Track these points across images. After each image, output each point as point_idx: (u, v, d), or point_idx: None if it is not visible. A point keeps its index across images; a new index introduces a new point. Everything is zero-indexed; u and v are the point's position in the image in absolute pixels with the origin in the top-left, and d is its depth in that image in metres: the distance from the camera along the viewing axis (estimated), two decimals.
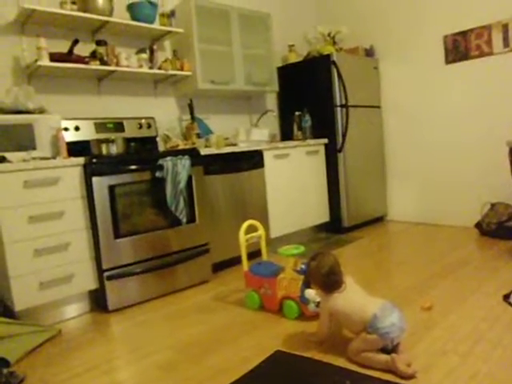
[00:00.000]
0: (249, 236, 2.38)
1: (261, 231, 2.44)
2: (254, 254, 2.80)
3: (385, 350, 1.57)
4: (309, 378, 1.54)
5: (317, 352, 1.73)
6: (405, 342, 1.67)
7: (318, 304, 1.96)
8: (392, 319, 1.55)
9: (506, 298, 2.08)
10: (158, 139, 3.21)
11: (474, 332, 1.79)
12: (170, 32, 3.18)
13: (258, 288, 2.25)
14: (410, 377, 1.48)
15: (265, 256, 2.47)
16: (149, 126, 3.12)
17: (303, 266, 2.07)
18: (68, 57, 2.64)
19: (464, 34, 3.58)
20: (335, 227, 3.90)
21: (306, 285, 1.99)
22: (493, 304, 2.05)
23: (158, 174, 2.55)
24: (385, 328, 1.53)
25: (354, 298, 1.67)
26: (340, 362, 1.63)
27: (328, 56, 3.75)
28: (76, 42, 2.66)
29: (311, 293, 1.94)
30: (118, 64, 2.87)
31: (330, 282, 1.68)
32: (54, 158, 2.37)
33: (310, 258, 1.81)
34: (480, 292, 2.22)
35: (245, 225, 2.34)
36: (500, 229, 3.21)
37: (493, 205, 3.37)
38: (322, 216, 3.86)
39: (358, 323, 1.60)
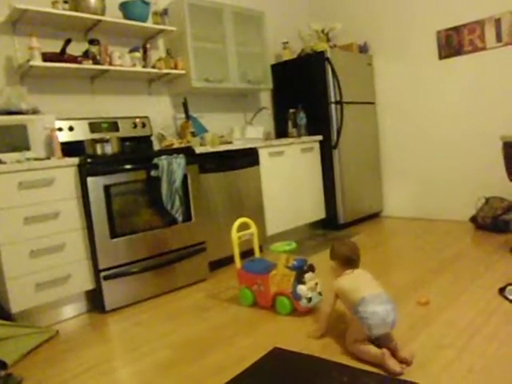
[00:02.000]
0: (241, 233, 2.39)
1: (253, 229, 2.45)
2: (249, 253, 2.80)
3: (376, 344, 1.58)
4: (307, 375, 1.55)
5: (314, 349, 1.73)
6: (402, 336, 1.68)
7: (310, 299, 1.99)
8: (376, 308, 1.56)
9: (501, 291, 2.10)
10: (152, 138, 3.20)
11: (471, 326, 1.80)
12: (163, 30, 3.17)
13: (250, 285, 2.26)
14: (398, 374, 1.47)
15: (257, 253, 2.48)
16: (143, 125, 3.11)
17: (295, 263, 2.09)
18: (61, 56, 2.62)
19: (457, 29, 3.59)
20: (331, 224, 3.90)
21: (299, 280, 2.02)
22: (489, 298, 2.06)
23: (153, 173, 2.55)
24: (365, 312, 1.55)
25: (358, 279, 1.73)
26: (338, 358, 1.64)
27: (322, 53, 3.75)
28: (68, 41, 2.65)
29: (303, 289, 1.98)
30: (111, 63, 2.86)
31: (352, 257, 1.80)
32: (48, 158, 2.36)
33: (335, 241, 1.92)
34: (476, 286, 2.23)
35: (237, 223, 2.35)
36: (495, 222, 3.23)
37: (487, 199, 3.39)
38: (318, 213, 3.87)
39: (350, 303, 1.64)
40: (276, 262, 2.18)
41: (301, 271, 2.04)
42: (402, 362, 1.51)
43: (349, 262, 1.80)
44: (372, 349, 1.56)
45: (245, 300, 2.30)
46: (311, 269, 2.08)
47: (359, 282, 1.70)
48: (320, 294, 2.09)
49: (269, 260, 2.34)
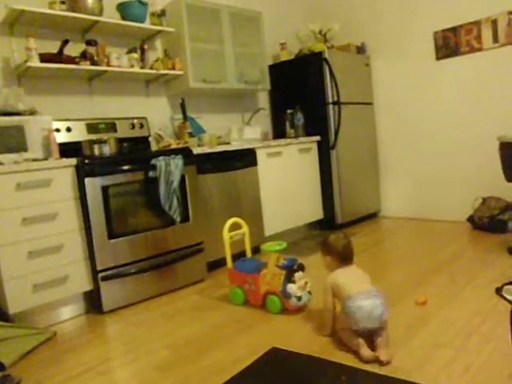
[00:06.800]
0: (232, 233, 2.40)
1: (244, 228, 2.46)
2: (246, 253, 2.80)
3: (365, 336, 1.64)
4: (305, 374, 1.55)
5: (312, 348, 1.74)
6: (400, 336, 1.69)
7: (299, 298, 2.01)
8: (362, 303, 1.62)
9: (498, 290, 2.10)
10: (150, 139, 3.20)
11: (468, 325, 1.80)
12: (160, 31, 3.17)
13: (242, 284, 2.29)
14: (367, 361, 1.55)
15: (249, 253, 2.50)
16: (141, 126, 3.11)
17: (285, 262, 2.12)
18: (58, 57, 2.62)
19: (454, 30, 3.61)
20: (329, 224, 3.91)
21: (289, 279, 2.03)
22: (486, 297, 2.07)
23: (151, 173, 2.55)
24: (351, 307, 1.62)
25: (352, 276, 1.77)
26: (336, 357, 1.64)
27: (319, 53, 3.75)
28: (66, 42, 2.64)
29: (293, 287, 2.01)
30: (108, 64, 2.86)
31: (347, 253, 1.83)
32: (45, 159, 2.36)
33: (327, 235, 1.92)
34: (473, 285, 2.24)
35: (228, 223, 2.38)
36: (492, 222, 3.24)
37: (484, 199, 3.40)
38: (316, 213, 3.87)
39: (343, 297, 1.70)
40: (268, 261, 2.19)
41: (291, 270, 2.07)
42: (377, 361, 1.55)
43: (344, 259, 1.82)
44: (354, 337, 1.63)
45: (236, 299, 2.33)
46: (301, 268, 2.11)
47: (352, 279, 1.75)
48: (309, 292, 2.12)
49: (261, 260, 2.35)
